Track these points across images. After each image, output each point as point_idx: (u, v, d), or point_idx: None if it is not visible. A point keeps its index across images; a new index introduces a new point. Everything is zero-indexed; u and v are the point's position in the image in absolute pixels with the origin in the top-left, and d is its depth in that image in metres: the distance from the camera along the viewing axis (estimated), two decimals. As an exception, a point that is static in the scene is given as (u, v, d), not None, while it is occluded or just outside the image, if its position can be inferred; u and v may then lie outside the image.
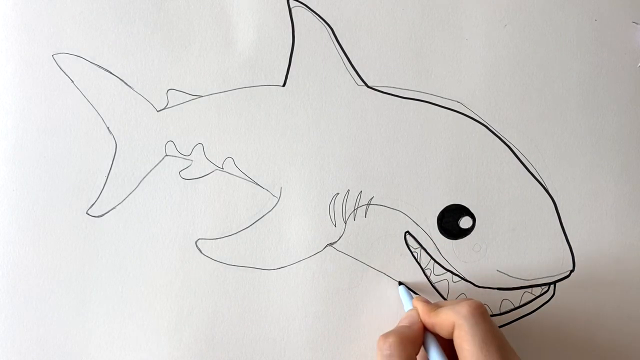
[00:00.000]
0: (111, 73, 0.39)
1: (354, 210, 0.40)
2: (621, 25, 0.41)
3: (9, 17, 0.39)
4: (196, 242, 0.39)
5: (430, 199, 0.40)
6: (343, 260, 0.39)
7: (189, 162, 0.39)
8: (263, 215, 0.39)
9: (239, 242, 0.39)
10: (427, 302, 0.36)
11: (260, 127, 0.40)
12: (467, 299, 0.35)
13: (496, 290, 0.40)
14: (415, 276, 0.40)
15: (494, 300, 0.40)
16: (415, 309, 0.36)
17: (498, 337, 0.33)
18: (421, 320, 0.35)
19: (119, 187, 0.39)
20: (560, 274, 0.40)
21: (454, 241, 0.40)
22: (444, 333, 0.34)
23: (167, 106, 0.39)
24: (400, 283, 0.39)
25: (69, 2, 0.39)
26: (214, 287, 0.39)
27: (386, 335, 0.34)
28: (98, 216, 0.39)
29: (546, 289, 0.40)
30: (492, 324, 0.33)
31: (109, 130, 0.39)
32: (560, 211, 0.40)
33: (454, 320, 0.33)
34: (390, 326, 0.39)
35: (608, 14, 0.41)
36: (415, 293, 0.39)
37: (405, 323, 0.36)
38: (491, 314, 0.40)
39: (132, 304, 0.39)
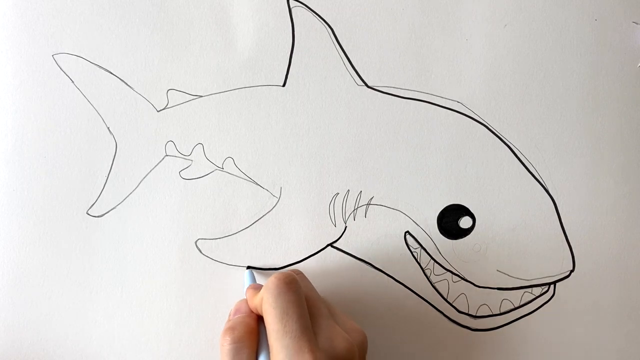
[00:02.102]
0: (111, 73, 0.39)
1: (354, 210, 0.40)
2: (621, 25, 0.41)
3: (9, 17, 0.39)
4: (196, 242, 0.39)
5: (430, 199, 0.40)
6: (343, 260, 0.39)
7: (189, 162, 0.39)
8: (263, 215, 0.39)
9: (239, 242, 0.39)
10: (257, 287, 0.35)
11: (260, 127, 0.40)
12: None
13: (496, 290, 0.40)
14: (415, 276, 0.40)
15: (494, 300, 0.40)
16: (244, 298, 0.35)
17: (302, 306, 0.31)
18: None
19: (119, 187, 0.39)
20: (560, 274, 0.40)
21: (454, 241, 0.40)
22: (259, 310, 0.33)
23: (167, 106, 0.40)
24: (248, 267, 0.39)
25: (69, 2, 0.39)
26: (214, 287, 0.39)
27: (232, 328, 0.32)
28: (98, 216, 0.39)
29: (546, 289, 0.40)
30: (298, 293, 0.32)
31: (109, 130, 0.39)
32: (560, 211, 0.40)
33: (262, 294, 0.32)
34: (392, 326, 0.39)
35: (608, 14, 0.41)
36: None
37: (238, 314, 0.34)
38: (491, 313, 0.40)
39: (132, 304, 0.39)
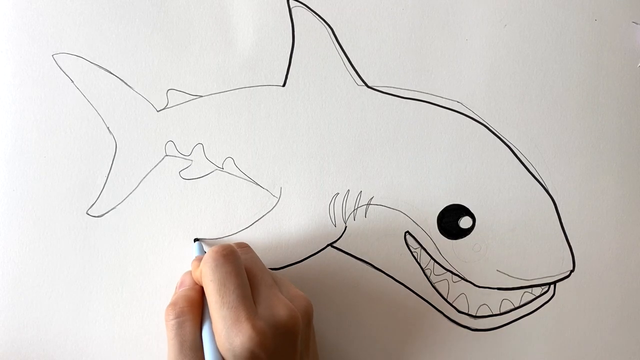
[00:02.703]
0: (111, 73, 0.39)
1: (354, 210, 0.40)
2: (621, 25, 0.41)
3: (9, 17, 0.39)
4: (196, 242, 0.39)
5: (430, 199, 0.40)
6: (343, 260, 0.39)
7: (189, 162, 0.39)
8: (263, 215, 0.39)
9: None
10: (201, 259, 0.34)
11: (260, 127, 0.40)
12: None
13: (496, 290, 0.40)
14: (415, 276, 0.40)
15: (494, 300, 0.40)
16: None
17: (240, 276, 0.31)
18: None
19: (119, 187, 0.39)
20: (560, 274, 0.40)
21: (454, 241, 0.40)
22: (200, 280, 0.33)
23: (167, 106, 0.40)
24: (196, 240, 0.39)
25: (69, 2, 0.39)
26: (214, 287, 0.39)
27: (174, 303, 0.33)
28: (98, 216, 0.39)
29: (546, 289, 0.40)
30: (236, 264, 0.32)
31: (109, 130, 0.39)
32: (560, 211, 0.40)
33: (201, 268, 0.32)
34: (392, 326, 0.39)
35: (608, 14, 0.41)
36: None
37: (182, 288, 0.34)
38: (491, 313, 0.40)
39: (132, 304, 0.39)
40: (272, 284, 0.33)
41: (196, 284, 0.34)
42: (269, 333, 0.30)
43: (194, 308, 0.33)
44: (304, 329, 0.32)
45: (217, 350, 0.31)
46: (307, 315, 0.33)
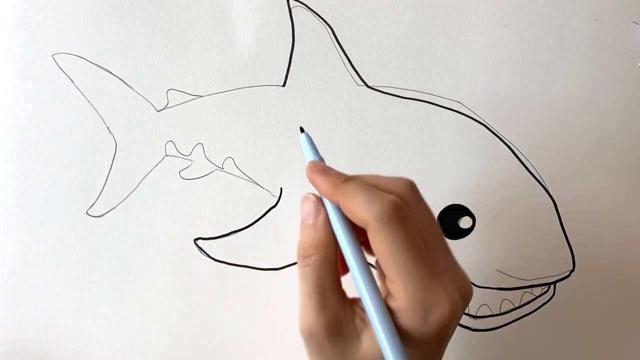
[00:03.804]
0: (111, 73, 0.39)
1: (354, 210, 0.39)
2: (621, 25, 0.41)
3: (9, 17, 0.39)
4: (196, 242, 0.39)
5: (430, 199, 0.40)
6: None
7: (189, 162, 0.39)
8: (263, 215, 0.39)
9: (239, 242, 0.39)
10: (326, 172, 0.30)
11: (260, 127, 0.40)
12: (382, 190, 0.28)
13: (496, 290, 0.40)
14: (415, 276, 0.39)
15: (494, 300, 0.40)
16: (313, 193, 0.30)
17: (417, 240, 0.27)
18: (326, 215, 0.29)
19: (119, 187, 0.39)
20: (560, 274, 0.40)
21: (454, 241, 0.40)
22: (354, 220, 0.28)
23: (167, 106, 0.40)
24: (302, 130, 0.33)
25: (69, 2, 0.39)
26: (214, 287, 0.39)
27: (303, 255, 0.29)
28: (98, 216, 0.39)
29: (546, 289, 0.40)
30: (411, 225, 0.27)
31: (109, 130, 0.39)
32: (560, 211, 0.40)
33: (368, 221, 0.27)
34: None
35: (608, 14, 0.41)
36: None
37: (310, 221, 0.30)
38: (491, 313, 0.40)
39: (132, 304, 0.39)
40: (449, 249, 0.29)
41: (319, 212, 0.30)
42: (461, 306, 0.27)
43: (326, 250, 0.29)
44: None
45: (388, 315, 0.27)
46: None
